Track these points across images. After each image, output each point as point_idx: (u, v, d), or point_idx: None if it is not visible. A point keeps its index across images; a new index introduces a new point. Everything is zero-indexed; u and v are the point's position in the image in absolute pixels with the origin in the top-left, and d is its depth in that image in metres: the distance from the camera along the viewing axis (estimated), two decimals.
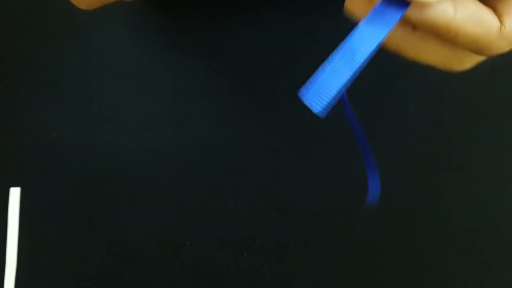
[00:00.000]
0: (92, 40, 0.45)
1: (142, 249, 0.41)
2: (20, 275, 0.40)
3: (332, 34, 0.44)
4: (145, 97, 0.44)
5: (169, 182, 0.42)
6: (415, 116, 0.43)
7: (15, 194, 0.42)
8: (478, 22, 0.23)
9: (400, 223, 0.41)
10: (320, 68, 0.21)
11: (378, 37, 0.22)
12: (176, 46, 0.45)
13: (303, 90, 0.21)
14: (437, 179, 0.42)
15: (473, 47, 0.24)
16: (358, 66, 0.21)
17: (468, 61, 0.27)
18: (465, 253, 0.41)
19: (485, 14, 0.23)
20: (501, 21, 0.23)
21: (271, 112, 0.43)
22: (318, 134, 0.43)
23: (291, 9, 0.45)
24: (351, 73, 0.21)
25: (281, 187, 0.41)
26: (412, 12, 0.22)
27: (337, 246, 0.41)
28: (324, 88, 0.21)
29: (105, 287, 0.41)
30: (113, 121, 0.43)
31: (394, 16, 0.22)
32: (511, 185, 0.42)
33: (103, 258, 0.41)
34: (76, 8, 0.46)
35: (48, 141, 0.43)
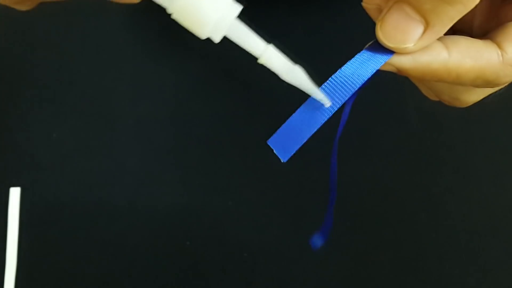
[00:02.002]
0: (92, 40, 0.45)
1: (142, 249, 0.41)
2: (20, 275, 0.40)
3: (332, 34, 0.44)
4: (145, 97, 0.44)
5: (169, 181, 0.42)
6: (415, 116, 0.43)
7: (15, 194, 0.42)
8: (476, 55, 0.22)
9: (400, 223, 0.41)
10: (290, 117, 0.21)
11: (352, 87, 0.21)
12: (176, 46, 0.45)
13: (272, 139, 0.21)
14: (436, 179, 0.42)
15: (479, 81, 0.23)
16: (330, 114, 0.21)
17: (473, 95, 0.26)
18: (465, 253, 0.41)
19: (481, 46, 0.22)
20: (501, 48, 0.22)
21: (271, 112, 0.43)
22: (318, 134, 0.43)
23: (291, 9, 0.45)
24: (321, 122, 0.21)
25: (281, 187, 0.41)
26: (406, 63, 0.22)
27: (337, 246, 0.41)
28: (293, 137, 0.21)
29: (105, 287, 0.41)
30: (113, 121, 0.43)
31: (375, 63, 0.21)
32: (511, 185, 0.42)
33: (103, 258, 0.41)
34: (76, 8, 0.46)
35: (48, 141, 0.43)
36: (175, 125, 0.43)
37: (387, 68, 0.22)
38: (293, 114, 0.21)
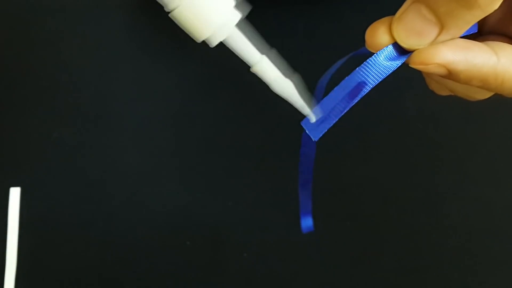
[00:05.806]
0: (92, 40, 0.45)
1: (142, 249, 0.41)
2: (20, 275, 0.40)
3: (332, 34, 0.44)
4: (145, 97, 0.44)
5: (169, 182, 0.42)
6: (415, 116, 0.43)
7: (15, 194, 0.42)
8: None
9: (400, 223, 0.41)
10: (323, 99, 0.22)
11: (382, 75, 0.22)
12: (177, 47, 0.45)
13: (305, 120, 0.23)
14: (436, 179, 0.42)
15: None
16: (358, 99, 0.22)
17: (487, 94, 0.26)
18: (465, 253, 0.41)
19: None
20: None
21: (271, 112, 0.43)
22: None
23: (291, 9, 0.45)
24: (351, 105, 0.22)
25: (282, 187, 0.41)
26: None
27: (337, 246, 0.41)
28: (325, 119, 0.22)
29: (105, 287, 0.41)
30: (113, 121, 0.43)
31: (400, 59, 0.22)
32: (511, 185, 0.42)
33: (103, 258, 0.41)
34: (75, 8, 0.46)
35: (48, 141, 0.43)
36: (176, 126, 0.43)
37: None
38: (325, 98, 0.22)
